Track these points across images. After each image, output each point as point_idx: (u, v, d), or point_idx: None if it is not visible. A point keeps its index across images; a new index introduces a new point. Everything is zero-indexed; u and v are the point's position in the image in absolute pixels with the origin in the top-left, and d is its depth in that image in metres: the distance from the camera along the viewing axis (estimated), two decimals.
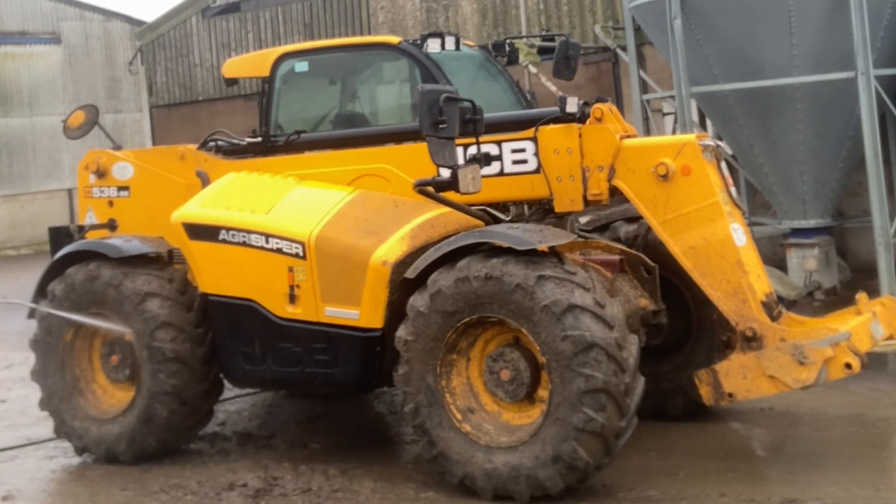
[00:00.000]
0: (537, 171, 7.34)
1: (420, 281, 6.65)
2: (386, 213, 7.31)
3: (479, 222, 7.17)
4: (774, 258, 12.17)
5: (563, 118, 7.32)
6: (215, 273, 7.54)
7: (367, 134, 8.42)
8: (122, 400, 7.85)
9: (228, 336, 7.53)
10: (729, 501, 6.17)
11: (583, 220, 8.09)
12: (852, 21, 10.60)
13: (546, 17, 17.38)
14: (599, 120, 7.18)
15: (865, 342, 6.54)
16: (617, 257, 7.17)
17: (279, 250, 7.26)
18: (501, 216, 7.59)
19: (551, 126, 7.31)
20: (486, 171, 7.11)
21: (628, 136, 7.24)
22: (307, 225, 7.24)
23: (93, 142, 10.72)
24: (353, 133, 8.52)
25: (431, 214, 7.21)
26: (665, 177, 6.89)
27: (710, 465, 6.86)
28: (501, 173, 7.45)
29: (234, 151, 8.68)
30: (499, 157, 7.43)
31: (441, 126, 6.41)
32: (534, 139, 7.33)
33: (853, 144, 11.39)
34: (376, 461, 7.39)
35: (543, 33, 16.47)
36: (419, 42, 8.33)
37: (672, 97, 12.43)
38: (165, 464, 7.67)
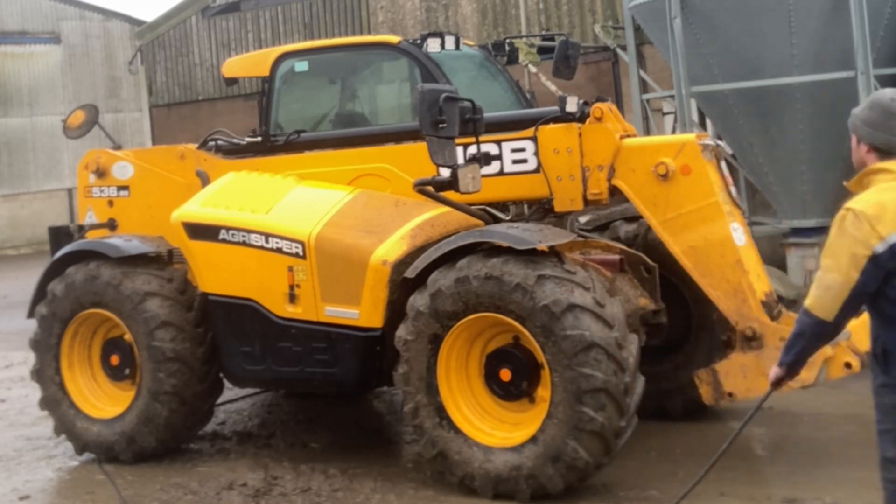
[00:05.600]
0: (537, 170, 7.33)
1: (420, 280, 6.65)
2: (386, 213, 7.31)
3: (479, 222, 7.17)
4: (774, 258, 12.15)
5: (563, 118, 7.31)
6: (215, 272, 7.53)
7: (366, 133, 8.41)
8: (122, 400, 7.85)
9: (228, 335, 7.53)
10: (729, 501, 6.17)
11: (583, 219, 8.09)
12: (852, 21, 10.58)
13: (546, 16, 17.37)
14: (599, 119, 7.18)
15: (865, 341, 6.51)
16: (617, 257, 7.17)
17: (279, 250, 7.26)
18: (501, 216, 7.59)
19: (551, 125, 7.31)
20: (486, 170, 7.11)
21: (628, 136, 7.24)
22: (307, 224, 7.24)
23: (93, 141, 10.72)
24: (352, 132, 8.52)
25: (431, 214, 7.21)
26: (665, 176, 6.89)
27: None
28: (501, 173, 7.45)
29: (234, 151, 8.68)
30: (499, 157, 7.43)
31: (441, 125, 6.41)
32: (534, 139, 7.33)
33: None
34: (376, 461, 7.39)
35: (543, 33, 16.47)
36: (419, 42, 8.33)
37: (672, 97, 12.42)
38: (165, 464, 7.67)
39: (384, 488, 6.82)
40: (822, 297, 4.11)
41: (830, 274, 4.06)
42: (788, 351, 4.49)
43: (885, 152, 4.17)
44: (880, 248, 3.94)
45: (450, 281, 6.43)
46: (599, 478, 6.47)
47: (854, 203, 4.07)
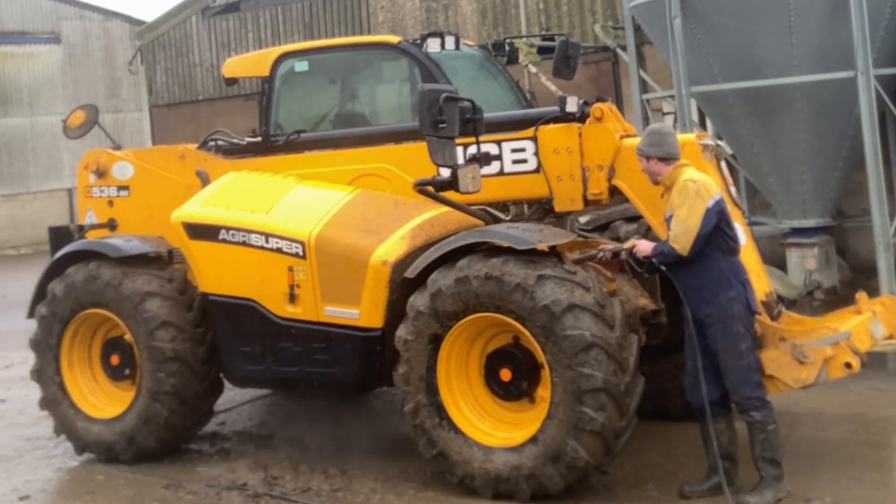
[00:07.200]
0: (537, 170, 7.33)
1: (420, 280, 6.65)
2: (386, 213, 7.31)
3: (479, 222, 7.17)
4: (774, 258, 12.15)
5: (563, 118, 7.31)
6: (215, 273, 7.53)
7: (366, 133, 8.41)
8: (122, 400, 7.85)
9: (228, 336, 7.53)
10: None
11: (583, 219, 8.08)
12: (852, 21, 10.58)
13: (546, 16, 17.37)
14: (599, 119, 7.17)
15: (865, 341, 6.53)
16: None
17: (279, 250, 7.26)
18: (501, 216, 7.59)
19: (551, 126, 7.31)
20: (486, 170, 7.10)
21: (628, 136, 7.24)
22: (307, 224, 7.24)
23: (93, 141, 10.72)
24: (352, 133, 8.52)
25: (431, 214, 7.21)
26: None
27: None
28: (501, 173, 7.45)
29: (234, 151, 8.68)
30: (499, 157, 7.43)
31: (441, 126, 6.41)
32: (534, 139, 7.32)
33: (853, 144, 11.38)
34: (376, 461, 7.39)
35: (543, 33, 16.45)
36: (419, 42, 8.33)
37: (672, 97, 12.42)
38: (165, 464, 7.67)
39: (384, 488, 6.82)
40: (681, 235, 5.93)
41: (689, 221, 5.91)
42: (665, 256, 6.06)
43: (666, 159, 6.22)
44: (711, 203, 5.98)
45: (450, 281, 6.42)
46: (599, 477, 6.47)
47: (690, 177, 6.07)
